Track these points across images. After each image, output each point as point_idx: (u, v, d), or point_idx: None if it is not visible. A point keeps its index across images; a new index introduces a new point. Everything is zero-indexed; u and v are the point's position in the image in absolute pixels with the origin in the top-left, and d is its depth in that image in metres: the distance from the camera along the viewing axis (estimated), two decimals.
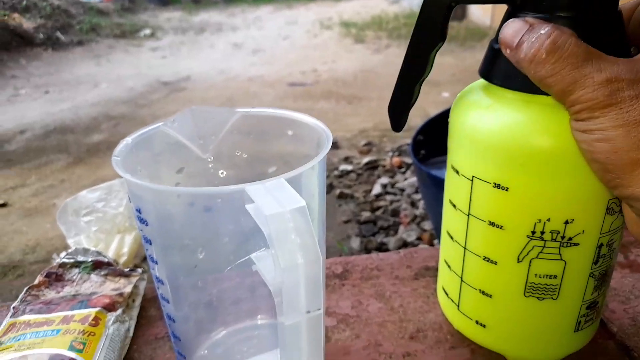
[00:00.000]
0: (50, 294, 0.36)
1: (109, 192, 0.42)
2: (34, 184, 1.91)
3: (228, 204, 0.24)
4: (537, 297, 0.27)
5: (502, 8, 0.27)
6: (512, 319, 0.29)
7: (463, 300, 0.31)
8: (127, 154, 0.27)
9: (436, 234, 1.34)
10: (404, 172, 1.80)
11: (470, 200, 0.28)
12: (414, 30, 0.28)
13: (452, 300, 0.32)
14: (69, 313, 0.32)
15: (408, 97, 0.30)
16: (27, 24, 4.58)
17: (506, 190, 0.26)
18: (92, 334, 0.31)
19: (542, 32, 0.23)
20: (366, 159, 1.94)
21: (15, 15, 4.61)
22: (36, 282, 0.37)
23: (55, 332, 0.30)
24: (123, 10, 5.84)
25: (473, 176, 0.27)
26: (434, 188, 0.98)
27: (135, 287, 0.37)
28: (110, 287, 0.36)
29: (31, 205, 1.75)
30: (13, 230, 1.59)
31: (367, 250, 1.39)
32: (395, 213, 1.55)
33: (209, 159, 0.33)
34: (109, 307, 0.33)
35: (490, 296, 0.29)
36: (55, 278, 0.37)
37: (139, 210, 0.24)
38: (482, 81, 0.28)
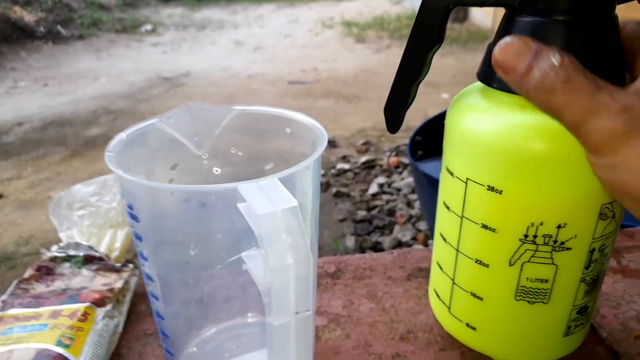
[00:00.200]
0: (40, 288, 0.36)
1: (103, 186, 0.42)
2: (30, 176, 1.90)
3: (222, 201, 0.24)
4: (528, 301, 0.27)
5: (503, 10, 0.27)
6: (502, 322, 0.29)
7: (454, 303, 0.31)
8: (121, 149, 0.26)
9: (431, 234, 1.34)
10: (400, 172, 1.80)
11: (464, 202, 0.28)
12: (411, 31, 0.28)
13: (444, 302, 0.32)
14: (58, 308, 0.32)
15: (404, 98, 0.30)
16: (28, 17, 4.57)
17: (500, 193, 0.26)
18: (81, 329, 0.31)
19: (554, 60, 0.22)
20: (364, 158, 1.94)
21: (17, 8, 4.60)
22: (26, 275, 0.36)
23: (43, 326, 0.30)
24: (125, 5, 5.83)
25: (467, 178, 0.27)
26: (430, 188, 0.98)
27: (127, 282, 0.37)
28: (100, 282, 0.36)
29: (26, 197, 1.74)
30: (7, 221, 1.59)
31: (361, 249, 1.39)
32: (391, 213, 1.55)
33: (204, 156, 0.33)
34: (99, 303, 0.33)
35: (481, 299, 0.29)
36: (46, 272, 0.37)
37: (130, 207, 0.24)
38: (479, 84, 0.28)
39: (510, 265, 0.27)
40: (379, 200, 1.63)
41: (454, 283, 0.30)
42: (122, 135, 0.27)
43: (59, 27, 4.59)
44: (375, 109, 2.49)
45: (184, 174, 0.32)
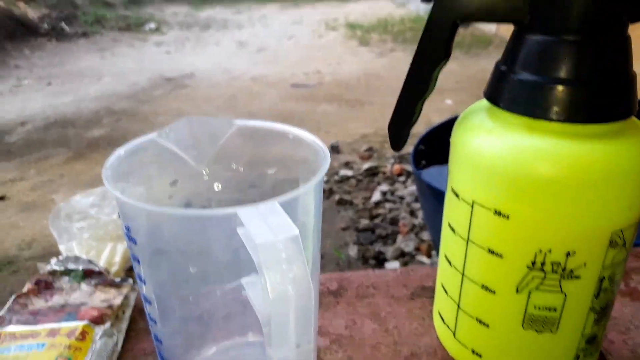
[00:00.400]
0: (38, 303, 0.35)
1: (103, 198, 0.42)
2: (32, 178, 1.90)
3: (222, 223, 0.23)
4: (536, 330, 0.27)
5: None
6: (509, 350, 0.28)
7: (459, 328, 0.30)
8: (119, 165, 0.26)
9: (434, 245, 1.33)
10: (404, 182, 1.79)
11: (469, 225, 0.27)
12: (417, 48, 0.27)
13: (448, 327, 0.31)
14: (56, 326, 0.32)
15: (409, 115, 0.29)
16: (32, 13, 4.57)
17: (507, 218, 0.25)
18: (79, 348, 0.30)
19: None
20: (367, 165, 1.93)
21: (21, 3, 4.60)
22: (25, 290, 0.36)
23: (40, 345, 0.30)
24: (129, 2, 5.83)
25: (473, 201, 0.26)
26: (433, 200, 0.98)
27: (126, 298, 0.36)
28: (100, 298, 0.35)
29: (29, 200, 1.74)
30: (10, 224, 1.59)
31: (364, 258, 1.38)
32: (394, 221, 1.54)
33: (204, 171, 0.32)
34: (97, 321, 0.33)
35: (487, 325, 0.28)
36: (45, 286, 0.37)
37: (128, 229, 0.24)
38: (485, 102, 0.28)
39: (517, 292, 0.26)
40: (382, 209, 1.62)
41: (459, 308, 0.29)
42: (120, 151, 0.27)
43: (63, 24, 4.59)
44: (378, 114, 2.48)
45: (184, 189, 0.32)
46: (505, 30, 0.26)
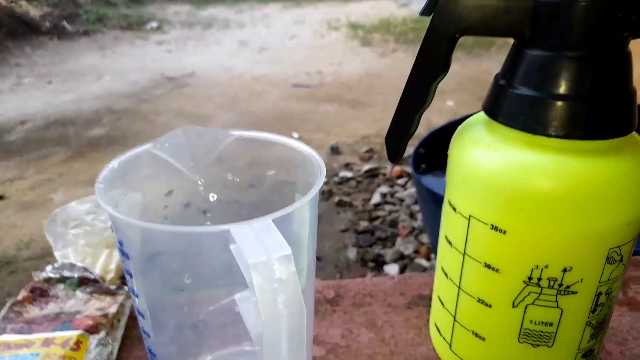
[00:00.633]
0: (33, 311, 0.35)
1: (99, 204, 0.41)
2: (32, 177, 1.90)
3: (216, 239, 0.23)
4: (532, 344, 0.27)
5: None
6: None
7: (455, 340, 0.30)
8: (113, 177, 0.26)
9: (433, 249, 1.33)
10: (404, 184, 1.78)
11: (466, 239, 0.27)
12: (416, 60, 0.27)
13: (444, 338, 0.31)
14: (50, 335, 0.31)
15: (407, 127, 0.29)
16: (33, 11, 4.57)
17: (504, 233, 0.25)
18: (73, 358, 0.30)
19: None
20: (367, 167, 1.93)
21: (22, 2, 4.60)
22: (20, 297, 0.36)
23: (34, 355, 0.30)
24: (131, 1, 5.83)
25: (470, 215, 0.26)
26: (433, 205, 0.97)
27: (121, 306, 0.36)
28: (95, 306, 0.35)
29: (28, 199, 1.74)
30: (8, 223, 1.59)
31: (363, 261, 1.38)
32: (394, 224, 1.53)
33: (199, 182, 0.32)
34: (92, 330, 0.32)
35: (484, 339, 0.28)
36: (40, 293, 0.36)
37: (120, 243, 0.23)
38: (483, 115, 0.28)
39: (513, 306, 0.26)
40: (382, 211, 1.62)
41: (455, 320, 0.29)
42: (113, 164, 0.27)
43: (65, 23, 4.59)
44: (379, 115, 2.48)
45: (179, 201, 0.32)
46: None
